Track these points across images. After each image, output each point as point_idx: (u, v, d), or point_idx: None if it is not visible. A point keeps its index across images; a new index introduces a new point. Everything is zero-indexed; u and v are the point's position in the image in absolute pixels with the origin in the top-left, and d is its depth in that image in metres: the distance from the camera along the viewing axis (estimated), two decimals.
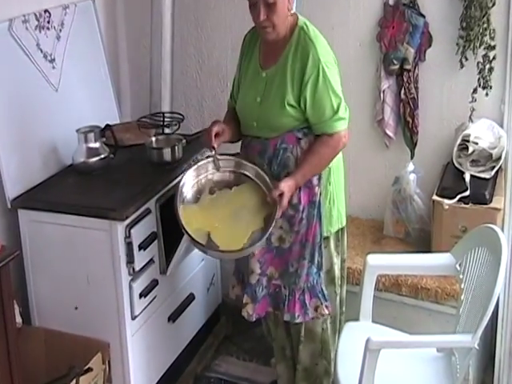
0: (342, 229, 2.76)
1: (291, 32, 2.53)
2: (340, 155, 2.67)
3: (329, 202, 2.67)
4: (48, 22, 2.96)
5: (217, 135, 2.59)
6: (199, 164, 2.61)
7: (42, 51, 2.93)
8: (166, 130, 3.19)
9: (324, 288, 2.69)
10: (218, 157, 2.60)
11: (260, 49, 2.63)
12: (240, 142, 2.73)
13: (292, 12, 2.53)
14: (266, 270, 2.66)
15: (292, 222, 2.60)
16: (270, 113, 2.55)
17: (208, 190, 2.60)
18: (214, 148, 2.58)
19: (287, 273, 2.66)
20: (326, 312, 2.69)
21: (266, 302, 2.71)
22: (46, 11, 2.95)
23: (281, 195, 2.46)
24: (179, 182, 2.56)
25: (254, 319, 2.71)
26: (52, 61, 2.99)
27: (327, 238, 2.69)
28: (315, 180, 2.58)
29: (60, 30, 3.04)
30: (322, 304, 2.67)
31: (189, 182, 2.58)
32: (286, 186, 2.48)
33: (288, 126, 2.54)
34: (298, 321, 2.68)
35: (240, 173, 2.62)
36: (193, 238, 2.45)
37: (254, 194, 2.57)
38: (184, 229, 2.46)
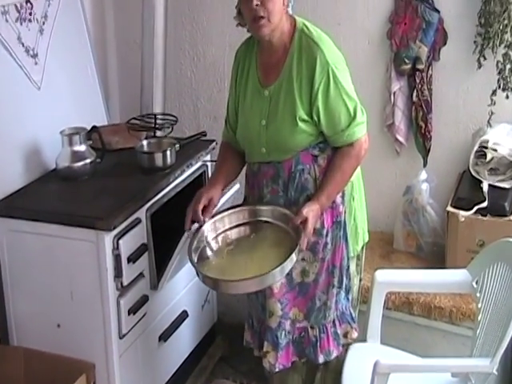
0: (362, 246, 2.73)
1: (290, 38, 2.43)
2: None
3: (354, 220, 2.62)
4: (30, 14, 2.96)
5: (204, 209, 2.50)
6: (216, 218, 2.54)
7: (23, 45, 2.92)
8: (158, 133, 3.19)
9: (352, 310, 2.68)
10: (230, 212, 2.55)
11: (257, 64, 2.53)
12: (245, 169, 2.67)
13: (289, 12, 2.47)
14: (288, 312, 2.59)
15: (316, 249, 2.52)
16: (281, 134, 2.45)
17: (225, 241, 2.52)
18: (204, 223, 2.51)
19: (313, 310, 2.60)
20: (355, 336, 2.67)
21: (289, 350, 2.64)
22: (27, 2, 2.94)
23: (304, 222, 2.38)
24: (196, 232, 2.49)
25: (277, 370, 2.64)
26: (34, 56, 2.99)
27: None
28: (338, 198, 2.52)
29: (43, 23, 3.04)
30: (352, 328, 2.66)
31: (209, 235, 2.53)
32: (310, 211, 2.38)
33: (303, 144, 2.46)
34: (333, 356, 2.64)
35: (256, 220, 2.54)
36: (225, 280, 2.32)
37: (276, 235, 2.47)
38: (204, 275, 2.36)
